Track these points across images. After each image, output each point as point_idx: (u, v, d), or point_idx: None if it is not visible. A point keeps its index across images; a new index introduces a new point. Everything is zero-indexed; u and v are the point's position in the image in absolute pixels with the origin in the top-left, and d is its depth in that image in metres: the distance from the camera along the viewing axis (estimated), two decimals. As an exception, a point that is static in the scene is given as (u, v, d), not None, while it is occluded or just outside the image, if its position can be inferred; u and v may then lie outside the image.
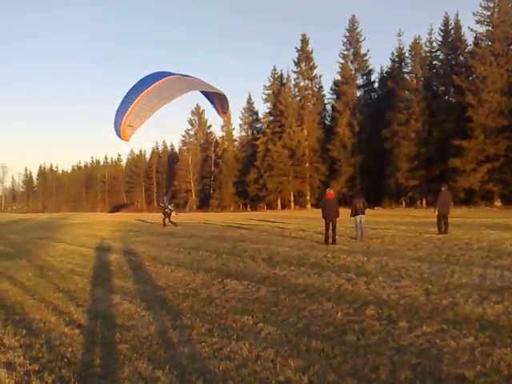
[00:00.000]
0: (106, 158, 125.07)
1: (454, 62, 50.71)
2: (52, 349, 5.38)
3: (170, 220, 26.11)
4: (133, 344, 5.46)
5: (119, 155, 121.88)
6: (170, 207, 26.40)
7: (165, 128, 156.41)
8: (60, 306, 7.60)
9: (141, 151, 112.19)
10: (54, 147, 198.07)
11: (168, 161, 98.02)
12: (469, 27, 47.41)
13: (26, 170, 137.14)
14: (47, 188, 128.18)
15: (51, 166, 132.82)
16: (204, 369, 4.58)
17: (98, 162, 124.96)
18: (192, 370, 4.56)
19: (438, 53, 52.71)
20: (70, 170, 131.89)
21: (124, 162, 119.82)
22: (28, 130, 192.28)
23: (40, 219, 51.31)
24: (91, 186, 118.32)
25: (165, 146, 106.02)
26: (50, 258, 13.95)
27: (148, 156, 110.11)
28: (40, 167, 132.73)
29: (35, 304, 7.81)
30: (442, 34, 51.87)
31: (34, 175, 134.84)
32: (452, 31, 51.47)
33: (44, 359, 5.05)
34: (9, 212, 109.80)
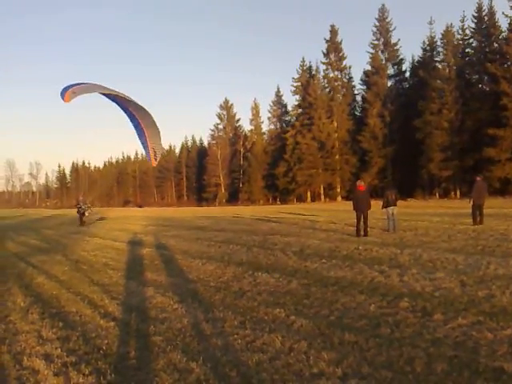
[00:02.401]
0: (136, 153, 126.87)
1: (487, 50, 49.38)
2: (88, 341, 5.48)
3: (81, 219, 27.70)
4: (167, 336, 5.52)
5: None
6: (83, 207, 27.65)
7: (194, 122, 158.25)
8: (95, 299, 7.74)
9: (170, 146, 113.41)
10: (86, 144, 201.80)
11: (197, 155, 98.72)
12: (503, 13, 46.16)
13: (59, 166, 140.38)
14: (80, 184, 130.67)
15: (83, 163, 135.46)
16: (237, 361, 4.59)
17: (128, 157, 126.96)
18: (225, 361, 4.58)
19: (471, 40, 51.43)
20: (101, 166, 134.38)
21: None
22: (60, 128, 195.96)
23: (74, 214, 52.31)
24: (123, 181, 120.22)
25: (194, 141, 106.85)
26: (85, 253, 14.22)
27: (177, 151, 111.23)
28: (73, 164, 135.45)
29: (71, 297, 7.97)
30: (475, 20, 50.55)
31: (67, 171, 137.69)
32: (486, 17, 50.06)
33: (81, 351, 5.14)
34: (43, 208, 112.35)
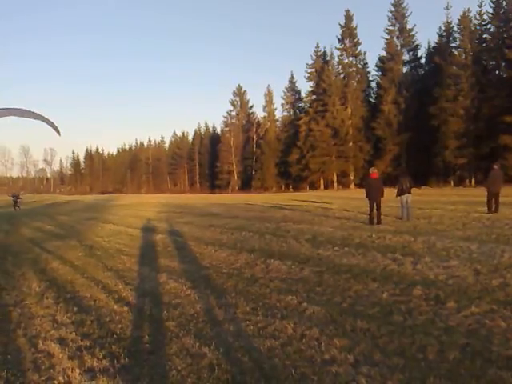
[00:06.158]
0: (149, 140, 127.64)
1: (505, 35, 48.41)
2: (102, 325, 5.54)
3: (16, 206, 36.64)
4: (180, 321, 5.56)
5: (162, 137, 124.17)
6: (17, 198, 37.36)
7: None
8: (109, 284, 7.81)
9: (183, 133, 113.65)
10: (100, 130, 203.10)
11: (210, 142, 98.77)
12: (522, -3, 45.17)
13: (73, 153, 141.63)
14: (94, 170, 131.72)
15: (97, 149, 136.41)
16: (249, 346, 4.61)
17: (142, 144, 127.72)
18: (238, 347, 4.61)
19: (489, 26, 50.49)
20: (115, 153, 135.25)
21: (167, 144, 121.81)
22: (75, 115, 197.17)
23: (87, 201, 52.87)
24: (136, 168, 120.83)
25: (207, 128, 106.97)
26: (99, 239, 14.34)
27: (190, 138, 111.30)
28: (87, 150, 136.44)
29: (85, 282, 8.05)
30: (493, 5, 49.55)
31: (81, 158, 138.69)
32: (504, 2, 49.03)
33: (95, 335, 5.20)
34: (57, 194, 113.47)
